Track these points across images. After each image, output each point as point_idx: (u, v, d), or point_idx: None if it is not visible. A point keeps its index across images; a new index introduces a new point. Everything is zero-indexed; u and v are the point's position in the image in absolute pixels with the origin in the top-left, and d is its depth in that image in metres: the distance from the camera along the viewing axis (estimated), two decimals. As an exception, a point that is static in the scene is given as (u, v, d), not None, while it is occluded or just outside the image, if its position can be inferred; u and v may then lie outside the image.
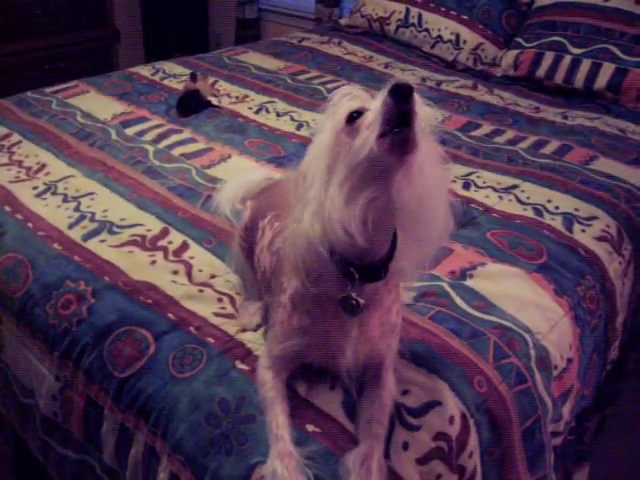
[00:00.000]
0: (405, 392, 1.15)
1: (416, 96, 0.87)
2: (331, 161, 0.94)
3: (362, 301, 1.02)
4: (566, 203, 1.80)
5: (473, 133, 2.25)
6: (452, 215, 0.99)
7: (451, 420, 1.14)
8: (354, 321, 1.05)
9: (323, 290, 1.04)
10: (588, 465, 1.86)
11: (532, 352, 1.34)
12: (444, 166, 0.99)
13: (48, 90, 2.50)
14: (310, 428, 1.10)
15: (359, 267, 0.99)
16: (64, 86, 2.54)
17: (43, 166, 1.92)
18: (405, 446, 1.09)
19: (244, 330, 1.30)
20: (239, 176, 1.73)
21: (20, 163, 1.94)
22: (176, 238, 1.58)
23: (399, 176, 0.90)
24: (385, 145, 0.88)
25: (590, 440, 1.88)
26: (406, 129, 0.87)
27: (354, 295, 1.01)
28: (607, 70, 2.50)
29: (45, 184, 1.83)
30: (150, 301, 1.37)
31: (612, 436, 2.03)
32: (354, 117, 0.93)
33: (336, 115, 0.95)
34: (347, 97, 0.96)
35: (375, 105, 0.90)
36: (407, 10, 3.11)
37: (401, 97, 0.86)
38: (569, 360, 1.44)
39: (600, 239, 1.69)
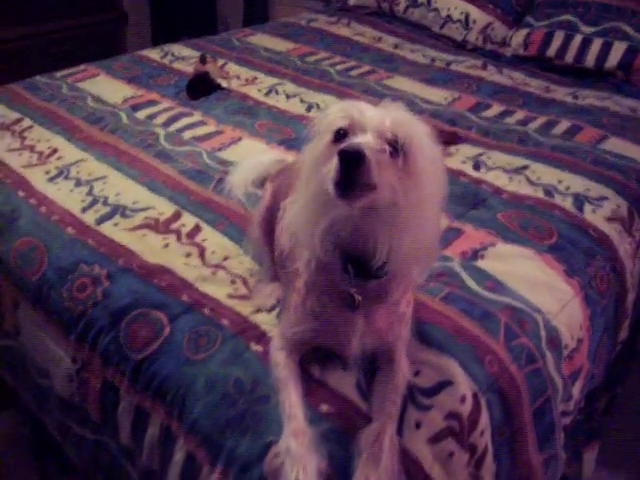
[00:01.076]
0: (417, 372, 1.17)
1: (368, 152, 0.89)
2: (310, 175, 0.98)
3: (359, 298, 1.05)
4: (577, 183, 1.80)
5: (483, 114, 2.24)
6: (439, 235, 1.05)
7: (462, 400, 1.15)
8: (359, 313, 1.08)
9: (330, 279, 1.06)
10: (597, 444, 1.88)
11: (543, 332, 1.35)
12: (439, 181, 0.99)
13: (58, 74, 2.50)
14: (324, 408, 1.11)
15: (359, 263, 1.02)
16: (74, 70, 2.54)
17: (55, 150, 1.93)
18: (417, 425, 1.11)
19: (258, 311, 1.32)
20: (251, 159, 1.74)
21: (32, 148, 1.95)
22: (189, 221, 1.59)
23: (356, 211, 0.94)
24: (335, 190, 0.90)
25: (599, 419, 1.89)
26: (355, 179, 0.89)
27: (352, 291, 1.05)
28: (618, 49, 2.48)
29: (57, 168, 1.84)
30: (164, 284, 1.39)
31: (621, 415, 2.04)
32: (340, 136, 0.95)
33: (328, 128, 0.98)
34: (340, 114, 0.98)
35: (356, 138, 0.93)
36: (416, -10, 3.09)
37: (350, 162, 0.89)
38: (579, 340, 1.45)
39: (610, 219, 1.69)
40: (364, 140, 0.91)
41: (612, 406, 1.98)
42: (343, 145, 0.90)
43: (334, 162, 0.90)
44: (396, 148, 0.92)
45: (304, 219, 1.00)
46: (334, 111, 0.99)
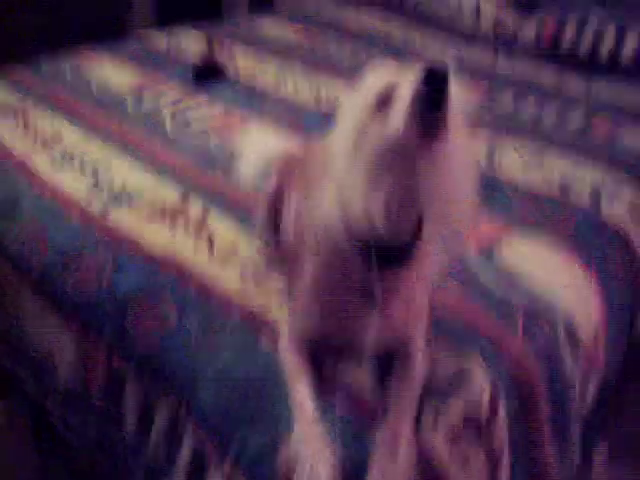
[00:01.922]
0: (434, 368, 1.13)
1: (451, 81, 0.83)
2: (356, 143, 0.90)
3: (379, 290, 1.00)
4: (593, 175, 1.76)
5: (495, 105, 2.20)
6: (478, 205, 0.96)
7: (481, 396, 1.12)
8: (375, 306, 1.03)
9: (343, 273, 1.02)
10: (609, 440, 1.85)
11: (560, 327, 1.32)
12: (473, 155, 0.95)
13: (63, 57, 2.46)
14: (338, 402, 1.08)
15: (379, 253, 0.97)
16: (79, 54, 2.50)
17: (59, 135, 1.89)
18: (434, 422, 1.07)
19: (268, 301, 1.28)
20: (258, 144, 1.70)
21: (36, 132, 1.91)
22: (196, 208, 1.55)
23: (426, 162, 0.86)
24: (413, 128, 0.84)
25: (612, 416, 1.87)
26: (437, 114, 0.83)
27: (371, 283, 0.99)
28: (633, 39, 2.43)
29: (61, 153, 1.80)
30: (172, 272, 1.35)
31: (634, 411, 2.01)
32: (384, 97, 0.89)
33: (366, 94, 0.91)
34: (379, 75, 0.92)
35: (406, 87, 0.85)
36: (427, -21, 3.04)
37: (434, 82, 0.82)
38: (596, 335, 1.42)
39: (628, 212, 1.65)
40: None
41: (625, 402, 1.95)
42: (427, 66, 0.83)
43: (406, 99, 0.84)
44: None
45: (358, 189, 0.88)
46: (373, 71, 0.94)
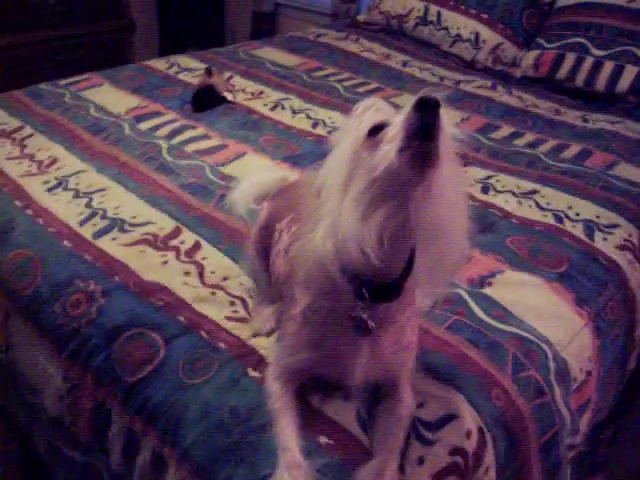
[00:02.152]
0: (421, 405, 1.12)
1: (442, 112, 0.83)
2: (349, 174, 0.90)
3: (372, 324, 0.99)
4: (587, 210, 1.76)
5: (492, 135, 2.20)
6: (470, 237, 0.94)
7: (468, 434, 1.11)
8: (365, 340, 1.02)
9: (334, 306, 1.01)
10: (602, 476, 1.83)
11: (551, 364, 1.31)
12: (464, 186, 0.95)
13: (62, 82, 2.47)
14: (322, 440, 1.06)
15: (371, 286, 0.96)
16: (78, 78, 2.51)
17: (55, 160, 1.89)
18: (420, 461, 1.06)
19: (256, 335, 1.27)
20: (254, 175, 1.69)
21: (31, 157, 1.92)
22: (188, 238, 1.55)
23: (419, 192, 0.86)
24: (406, 158, 0.84)
25: (604, 451, 1.85)
26: (429, 144, 0.83)
27: (365, 317, 0.98)
28: (630, 73, 2.45)
29: (56, 179, 1.80)
30: (161, 303, 1.34)
31: (626, 446, 1.99)
32: (376, 130, 0.89)
33: (358, 127, 0.91)
34: (371, 109, 0.93)
35: (399, 118, 0.86)
36: (426, 8, 3.07)
37: (426, 111, 0.83)
38: (588, 372, 1.41)
39: (622, 248, 1.65)
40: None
41: (617, 437, 1.93)
42: (418, 96, 0.84)
43: (399, 129, 0.85)
44: None
45: (351, 222, 0.88)
46: (367, 106, 0.93)
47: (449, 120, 0.87)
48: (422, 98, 0.83)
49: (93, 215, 1.63)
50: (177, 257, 1.48)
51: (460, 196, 0.93)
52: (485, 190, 1.82)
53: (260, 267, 1.35)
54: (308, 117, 2.26)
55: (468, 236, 0.94)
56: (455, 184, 0.90)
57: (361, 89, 2.55)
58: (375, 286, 0.96)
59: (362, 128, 0.91)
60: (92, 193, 1.73)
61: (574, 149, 2.11)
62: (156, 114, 2.22)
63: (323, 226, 0.92)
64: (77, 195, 1.72)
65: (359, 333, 1.00)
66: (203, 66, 2.58)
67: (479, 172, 1.91)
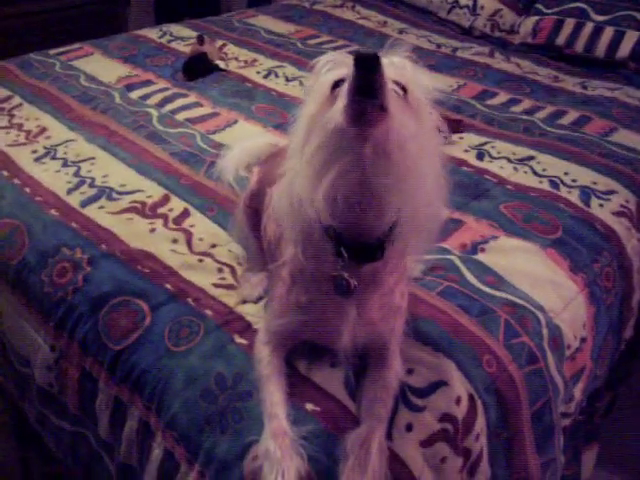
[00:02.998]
0: (410, 371, 1.11)
1: (384, 66, 0.81)
2: (307, 133, 0.89)
3: (354, 282, 0.97)
4: (584, 176, 1.72)
5: (489, 102, 2.16)
6: (446, 185, 0.93)
7: (458, 401, 1.09)
8: (351, 302, 1.01)
9: (319, 267, 0.99)
10: (597, 445, 1.82)
11: (544, 331, 1.29)
12: (437, 134, 0.93)
13: (52, 52, 2.43)
14: (309, 407, 1.05)
15: (353, 246, 0.94)
16: (68, 48, 2.47)
17: (43, 130, 1.87)
18: (409, 428, 1.04)
19: (245, 302, 1.26)
20: (243, 142, 1.67)
21: (20, 126, 1.89)
22: (177, 205, 1.53)
23: (368, 149, 0.84)
24: (349, 116, 0.82)
25: (600, 420, 1.84)
26: (369, 100, 0.81)
27: (345, 275, 0.97)
28: (630, 38, 2.39)
29: (45, 148, 1.78)
30: (147, 270, 1.32)
31: (622, 415, 1.98)
32: (337, 86, 0.87)
33: (319, 84, 0.90)
34: (330, 65, 0.91)
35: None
36: (423, -26, 3.01)
37: (366, 68, 0.80)
38: (583, 339, 1.39)
39: (618, 214, 1.62)
40: None
41: (613, 406, 1.92)
42: (355, 52, 0.82)
43: (341, 98, 0.84)
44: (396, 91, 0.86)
45: (305, 180, 0.89)
46: (327, 61, 0.92)
47: (422, 76, 0.89)
48: (360, 54, 0.81)
49: (81, 184, 1.61)
50: (165, 225, 1.46)
51: (430, 149, 0.91)
52: (480, 157, 1.79)
53: (250, 233, 1.33)
54: (302, 85, 2.22)
55: (442, 193, 0.93)
56: (423, 136, 0.89)
57: (356, 57, 2.50)
58: (356, 246, 0.94)
59: (322, 85, 0.90)
60: (80, 162, 1.71)
61: (572, 115, 2.07)
62: (147, 83, 2.19)
63: (282, 184, 0.93)
64: (65, 164, 1.70)
65: (341, 292, 0.98)
66: (195, 34, 2.53)
67: (475, 139, 1.88)
